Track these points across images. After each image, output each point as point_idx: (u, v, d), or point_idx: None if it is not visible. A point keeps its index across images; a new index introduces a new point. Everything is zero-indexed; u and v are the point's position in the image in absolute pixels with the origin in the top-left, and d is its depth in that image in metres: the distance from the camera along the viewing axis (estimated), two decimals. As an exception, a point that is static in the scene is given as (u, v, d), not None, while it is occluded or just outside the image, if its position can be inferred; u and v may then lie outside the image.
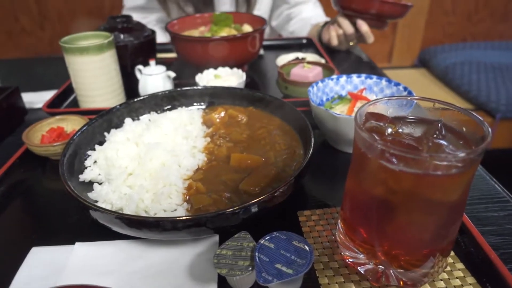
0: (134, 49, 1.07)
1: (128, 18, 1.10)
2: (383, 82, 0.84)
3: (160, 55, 1.36)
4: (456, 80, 2.47)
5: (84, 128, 0.71)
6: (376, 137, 0.42)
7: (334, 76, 0.86)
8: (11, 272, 0.53)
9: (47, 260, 0.55)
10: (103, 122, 0.76)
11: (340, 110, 0.79)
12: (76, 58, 0.89)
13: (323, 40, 1.45)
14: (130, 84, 1.09)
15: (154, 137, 0.69)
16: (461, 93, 2.41)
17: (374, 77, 0.85)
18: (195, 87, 0.87)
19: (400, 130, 0.47)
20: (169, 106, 0.86)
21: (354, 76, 0.87)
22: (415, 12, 2.93)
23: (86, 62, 0.89)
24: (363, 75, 0.86)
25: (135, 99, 0.82)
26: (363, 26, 1.27)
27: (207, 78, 1.03)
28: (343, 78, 0.87)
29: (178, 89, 0.86)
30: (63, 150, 0.63)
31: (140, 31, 1.11)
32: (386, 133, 0.45)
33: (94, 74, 0.91)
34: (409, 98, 0.50)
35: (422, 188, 0.41)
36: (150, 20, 1.63)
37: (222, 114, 0.79)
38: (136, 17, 1.57)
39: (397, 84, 0.82)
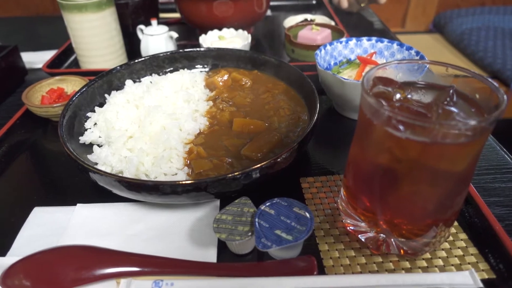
0: (136, 8, 1.03)
1: (129, -26, 1.05)
2: (395, 46, 0.80)
3: (163, 15, 1.31)
4: (471, 47, 2.38)
5: (84, 89, 0.69)
6: (383, 102, 0.39)
7: (343, 39, 0.82)
8: (13, 232, 0.53)
9: (49, 220, 0.55)
10: (103, 83, 0.74)
11: (348, 75, 0.76)
12: (74, 16, 0.85)
13: (333, 1, 1.38)
14: (132, 44, 1.06)
15: (155, 99, 0.67)
16: (476, 60, 2.33)
17: (385, 41, 0.81)
18: (198, 49, 0.84)
19: (409, 96, 0.44)
20: (171, 68, 0.83)
21: (364, 39, 0.83)
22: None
23: (84, 21, 0.86)
24: (374, 38, 0.82)
25: (136, 60, 0.79)
26: None
27: (211, 40, 0.99)
28: (353, 41, 0.83)
29: (181, 50, 0.83)
30: (62, 111, 0.62)
31: (141, -12, 1.06)
32: (394, 99, 0.43)
33: (93, 33, 0.88)
34: (420, 62, 0.47)
35: (429, 157, 0.39)
36: None
37: (226, 77, 0.77)
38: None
39: (409, 48, 0.78)
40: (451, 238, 0.50)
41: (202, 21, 1.06)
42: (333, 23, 1.12)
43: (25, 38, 1.27)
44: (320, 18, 1.18)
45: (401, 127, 0.38)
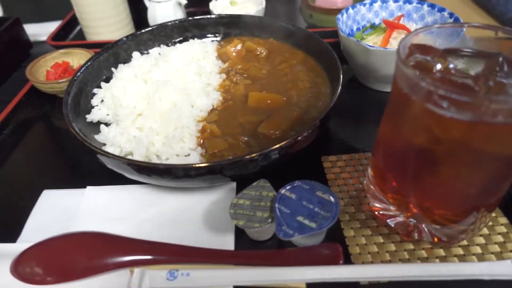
0: (141, -27, 0.96)
1: None
2: (425, 7, 0.72)
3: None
4: (500, 6, 2.21)
5: (89, 63, 0.65)
6: (423, 75, 0.34)
7: (367, 1, 0.75)
8: (23, 216, 0.51)
9: (59, 203, 0.53)
10: (109, 56, 0.70)
11: (373, 41, 0.70)
12: (77, -17, 0.80)
13: None
14: (139, 12, 1.00)
15: (164, 73, 0.62)
16: (505, 21, 2.17)
17: (414, 2, 0.74)
18: (208, 16, 0.78)
19: (451, 66, 0.38)
20: (181, 38, 0.78)
21: (390, 1, 0.75)
22: None
23: (88, -11, 0.80)
24: (401, 0, 0.75)
25: (143, 30, 0.74)
26: None
27: (222, 6, 0.93)
28: (378, 3, 0.75)
29: (190, 18, 0.78)
30: (67, 89, 0.58)
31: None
32: (434, 70, 0.37)
33: (97, 1, 0.83)
34: (465, 26, 0.40)
35: (475, 137, 0.34)
36: None
37: (239, 47, 0.71)
38: None
39: (441, 10, 0.70)
40: (490, 223, 0.46)
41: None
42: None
43: (30, 8, 1.22)
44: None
45: (444, 104, 0.33)
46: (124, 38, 0.72)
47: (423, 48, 0.39)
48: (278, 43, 0.75)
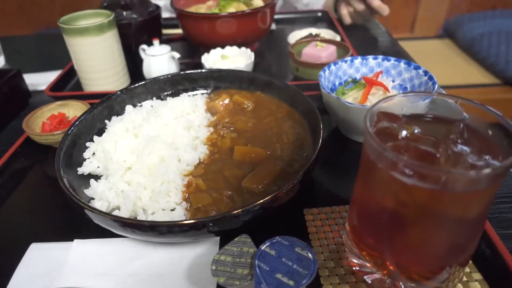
0: (138, 27, 1.02)
1: (131, -6, 1.04)
2: (402, 64, 0.77)
3: (166, 31, 1.30)
4: (483, 52, 2.33)
5: (83, 117, 0.68)
6: (386, 147, 0.37)
7: (348, 58, 0.80)
8: (9, 268, 0.52)
9: (46, 257, 0.54)
10: (103, 109, 0.73)
11: (353, 96, 0.74)
12: (76, 39, 0.85)
13: (337, 15, 1.36)
14: (135, 63, 1.05)
15: (154, 128, 0.65)
16: (488, 65, 2.27)
17: (392, 59, 0.79)
18: (199, 71, 0.82)
19: (416, 131, 0.42)
20: (173, 91, 0.82)
21: (370, 58, 0.80)
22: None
23: (86, 44, 0.85)
24: (380, 57, 0.80)
25: (136, 84, 0.78)
26: (374, 2, 1.17)
27: (214, 59, 0.98)
28: (358, 60, 0.80)
29: (182, 72, 0.82)
30: (60, 143, 0.61)
31: (144, 7, 1.05)
32: (400, 137, 0.40)
33: (95, 56, 0.87)
34: (426, 94, 0.44)
35: (437, 203, 0.37)
36: None
37: (227, 101, 0.75)
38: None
39: (417, 68, 0.75)
40: (464, 278, 0.47)
41: (204, 39, 1.05)
42: (338, 38, 1.10)
43: (30, 58, 1.28)
44: (325, 32, 1.15)
45: (407, 172, 0.35)
46: (118, 92, 0.76)
47: (390, 116, 0.42)
48: (265, 96, 0.79)
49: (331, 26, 1.29)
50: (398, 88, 0.78)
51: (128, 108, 0.74)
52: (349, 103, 0.64)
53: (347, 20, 1.26)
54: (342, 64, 0.80)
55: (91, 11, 0.92)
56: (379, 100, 0.42)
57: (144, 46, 0.98)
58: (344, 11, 1.25)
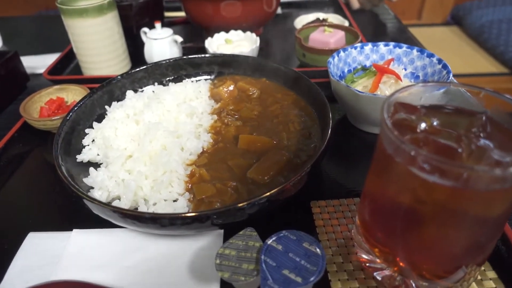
0: (139, 9, 0.99)
1: (133, -27, 1.00)
2: (414, 52, 0.74)
3: (168, 14, 1.26)
4: (492, 40, 2.27)
5: (82, 102, 0.65)
6: (405, 140, 0.34)
7: (358, 44, 0.77)
8: (6, 259, 0.50)
9: (44, 247, 0.52)
10: (103, 94, 0.71)
11: (363, 85, 0.71)
12: (75, 21, 0.82)
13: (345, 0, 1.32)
14: (136, 47, 1.02)
15: (156, 114, 0.63)
16: (496, 54, 2.22)
17: (404, 46, 0.75)
18: (202, 55, 0.79)
19: (435, 123, 0.39)
20: (175, 76, 0.79)
21: (381, 45, 0.77)
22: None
23: (85, 26, 0.82)
24: (391, 44, 0.76)
25: (137, 69, 0.75)
26: None
27: (217, 43, 0.95)
28: (368, 46, 0.77)
29: (184, 57, 0.79)
30: (58, 129, 0.58)
31: (145, -12, 1.01)
32: (418, 129, 0.38)
33: (95, 38, 0.84)
34: (449, 84, 0.41)
35: (458, 201, 0.34)
36: None
37: (231, 87, 0.72)
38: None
39: (430, 55, 0.72)
40: (479, 277, 0.45)
41: (208, 22, 1.01)
42: (347, 23, 1.06)
43: (28, 40, 1.24)
44: (332, 17, 1.11)
45: (427, 168, 0.33)
46: (119, 77, 0.73)
47: (407, 107, 0.39)
48: (271, 83, 0.76)
49: (338, 10, 1.25)
50: (410, 77, 0.75)
51: (129, 93, 0.72)
52: (359, 91, 0.62)
53: (355, 5, 1.22)
54: (351, 51, 0.76)
55: (89, -9, 0.88)
56: (397, 90, 0.40)
57: (145, 29, 0.94)
58: (353, -5, 1.21)
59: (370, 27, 1.17)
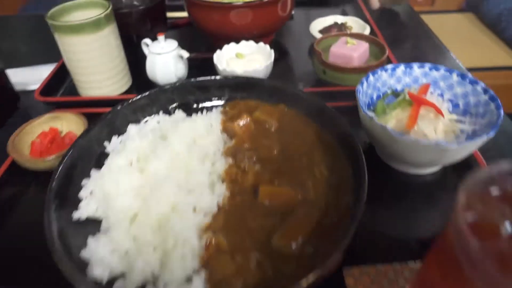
0: (140, 16, 0.89)
1: (131, -25, 0.90)
2: (454, 76, 0.65)
3: (171, 14, 1.16)
4: (510, 30, 2.15)
5: (77, 144, 0.57)
6: (490, 256, 0.27)
7: (389, 67, 0.68)
8: None
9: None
10: (101, 129, 0.62)
11: (397, 118, 0.62)
12: (68, 38, 0.72)
13: None
14: (136, 57, 0.92)
15: (163, 161, 0.55)
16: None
17: (442, 69, 0.66)
18: (212, 78, 0.70)
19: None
20: (182, 102, 0.71)
21: (415, 66, 0.68)
22: None
23: (81, 43, 0.73)
24: (427, 65, 0.67)
25: (139, 96, 0.66)
26: None
27: (227, 57, 0.85)
28: (401, 68, 0.68)
29: (192, 80, 0.70)
30: (50, 183, 0.51)
31: (146, -9, 0.91)
32: (501, 233, 0.30)
33: (91, 56, 0.75)
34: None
35: None
36: None
37: (247, 120, 0.63)
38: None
39: (473, 82, 0.63)
40: None
41: (216, 30, 0.92)
42: (368, 28, 0.96)
43: (16, 46, 1.13)
44: (352, 21, 1.01)
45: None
46: (119, 106, 0.64)
47: (487, 199, 0.31)
48: (290, 111, 0.67)
49: (357, 11, 1.14)
50: (447, 105, 0.66)
51: (131, 128, 0.63)
52: (397, 134, 0.53)
53: (376, 4, 1.11)
54: (382, 74, 0.67)
55: (81, 0, 0.78)
56: (479, 171, 0.31)
57: (147, 41, 0.85)
58: (372, -6, 1.10)
59: (392, 30, 1.07)
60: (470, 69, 1.00)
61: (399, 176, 0.63)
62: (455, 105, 0.66)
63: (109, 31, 0.75)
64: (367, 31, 0.95)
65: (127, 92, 0.84)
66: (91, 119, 0.72)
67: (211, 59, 0.84)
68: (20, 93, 0.86)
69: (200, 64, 0.91)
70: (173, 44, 0.82)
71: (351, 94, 0.78)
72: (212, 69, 0.82)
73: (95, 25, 0.72)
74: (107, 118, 0.63)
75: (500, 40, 2.23)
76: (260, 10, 0.86)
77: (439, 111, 0.59)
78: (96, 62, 0.76)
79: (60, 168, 0.53)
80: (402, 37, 1.07)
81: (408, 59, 0.90)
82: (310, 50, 0.98)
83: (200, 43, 1.04)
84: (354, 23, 1.00)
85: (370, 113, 0.64)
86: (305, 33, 1.02)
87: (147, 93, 0.67)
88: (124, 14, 0.86)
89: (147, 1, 0.89)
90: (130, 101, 0.66)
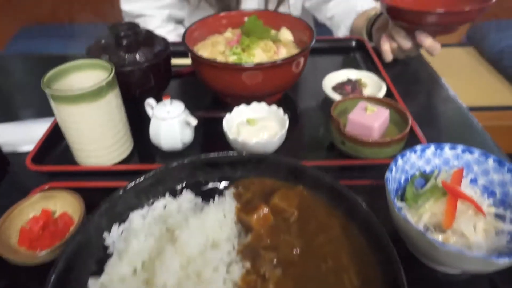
0: (143, 73, 0.83)
1: (135, 28, 0.84)
2: (490, 162, 0.60)
3: (174, 61, 1.10)
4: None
5: (71, 245, 0.50)
6: None
7: (418, 148, 0.62)
8: None
9: None
10: (100, 218, 0.56)
11: (431, 211, 0.56)
12: (67, 108, 0.66)
13: (374, 44, 1.17)
14: (138, 115, 0.86)
15: (172, 271, 0.48)
16: None
17: (476, 152, 0.61)
18: (224, 155, 0.64)
19: None
20: (190, 182, 0.64)
21: (446, 147, 0.63)
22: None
23: (80, 112, 0.66)
24: (459, 147, 0.62)
25: (142, 178, 0.60)
26: (426, 40, 0.98)
27: (238, 121, 0.79)
28: (431, 149, 0.63)
29: (203, 157, 0.64)
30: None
31: (149, 45, 0.85)
32: None
33: (91, 126, 0.68)
34: None
35: None
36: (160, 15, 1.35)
37: (264, 211, 0.57)
38: (141, 6, 1.31)
39: (512, 171, 0.58)
40: None
41: (225, 89, 0.86)
42: (384, 87, 0.91)
43: (4, 92, 1.06)
44: (366, 77, 0.96)
45: None
46: (121, 191, 0.58)
47: None
48: (310, 195, 0.61)
49: (369, 63, 1.09)
50: (482, 191, 0.60)
51: (134, 217, 0.57)
52: (441, 244, 0.47)
53: (389, 57, 1.07)
54: (410, 155, 0.62)
55: (82, 61, 0.72)
56: None
57: (151, 102, 0.78)
58: (386, 47, 1.06)
59: (405, 84, 1.02)
60: (472, 108, 0.97)
61: (435, 276, 0.56)
62: (491, 193, 0.60)
63: (111, 97, 0.69)
64: (383, 90, 0.90)
65: (128, 158, 0.77)
66: (87, 194, 0.66)
67: (220, 119, 0.78)
68: (9, 155, 0.79)
69: (207, 122, 0.85)
70: (179, 107, 0.76)
71: (373, 168, 0.74)
72: (219, 129, 0.76)
73: (97, 93, 0.66)
74: (106, 206, 0.56)
75: (503, 76, 2.21)
76: (272, 71, 0.81)
77: (479, 209, 0.53)
78: (96, 131, 0.69)
79: (52, 280, 0.46)
80: (416, 92, 1.02)
81: (423, 117, 0.86)
82: (323, 107, 0.93)
83: (205, 94, 0.99)
84: (369, 79, 0.95)
85: (401, 204, 0.59)
86: (317, 89, 0.96)
87: (152, 173, 0.61)
88: (127, 72, 0.80)
89: (151, 56, 0.83)
90: (133, 184, 0.59)
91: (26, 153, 0.79)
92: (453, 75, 2.25)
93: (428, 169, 0.63)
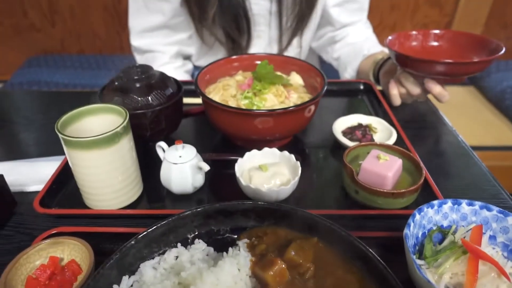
0: (155, 116, 0.83)
1: (147, 71, 0.85)
2: (510, 220, 0.59)
3: (185, 100, 1.11)
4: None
5: (83, 302, 0.48)
6: None
7: (435, 202, 0.61)
8: None
9: None
10: (111, 270, 0.54)
11: (452, 271, 0.55)
12: (80, 153, 0.65)
13: (382, 87, 1.19)
14: (148, 156, 0.86)
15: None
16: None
17: (495, 209, 0.60)
18: (237, 203, 0.63)
19: None
20: (202, 231, 0.63)
21: (463, 203, 0.62)
22: (469, 23, 2.59)
23: (93, 158, 0.66)
24: (477, 204, 0.61)
25: (154, 227, 0.59)
26: (435, 88, 1.00)
27: (249, 165, 0.79)
28: (448, 204, 0.62)
29: (217, 204, 0.63)
30: None
31: (163, 88, 0.86)
32: None
33: (103, 170, 0.68)
34: None
35: None
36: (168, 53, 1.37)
37: (280, 267, 0.55)
38: (151, 42, 1.33)
39: (533, 231, 0.56)
40: None
41: (236, 133, 0.87)
42: (395, 134, 0.91)
43: (8, 131, 1.05)
44: (376, 122, 0.97)
45: None
46: (133, 241, 0.56)
47: None
48: (325, 248, 0.60)
49: (377, 106, 1.10)
50: (502, 248, 0.59)
51: (145, 269, 0.55)
52: (465, 311, 0.45)
53: (397, 101, 1.08)
54: (428, 211, 0.61)
55: (96, 105, 0.73)
56: None
57: (162, 145, 0.78)
58: (395, 91, 1.07)
59: (414, 128, 1.03)
60: (475, 148, 0.97)
61: None
62: (510, 251, 0.59)
63: (124, 142, 0.69)
64: (393, 136, 0.90)
65: (137, 200, 0.76)
66: (96, 238, 0.64)
67: (231, 162, 0.78)
68: (16, 194, 0.78)
69: (217, 163, 0.85)
70: (191, 152, 0.76)
71: (386, 218, 0.72)
72: (229, 170, 0.76)
73: (111, 139, 0.65)
74: (117, 258, 0.54)
75: (504, 117, 2.24)
76: (284, 117, 0.81)
77: (504, 273, 0.52)
78: (107, 176, 0.69)
79: None
80: (426, 136, 1.03)
81: (434, 163, 0.86)
82: (333, 151, 0.92)
83: (215, 133, 0.99)
84: (379, 125, 0.96)
85: (420, 261, 0.57)
86: (327, 134, 0.96)
87: (163, 222, 0.59)
88: (138, 115, 0.81)
89: (164, 99, 0.84)
90: (144, 234, 0.58)
91: (33, 193, 0.79)
92: (456, 115, 2.28)
93: (445, 223, 0.62)
